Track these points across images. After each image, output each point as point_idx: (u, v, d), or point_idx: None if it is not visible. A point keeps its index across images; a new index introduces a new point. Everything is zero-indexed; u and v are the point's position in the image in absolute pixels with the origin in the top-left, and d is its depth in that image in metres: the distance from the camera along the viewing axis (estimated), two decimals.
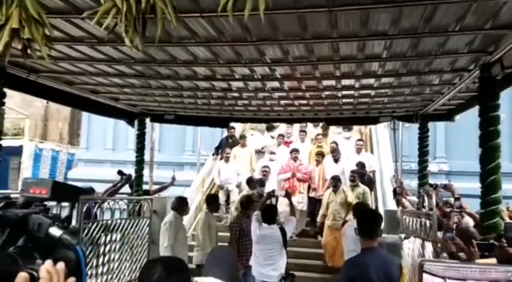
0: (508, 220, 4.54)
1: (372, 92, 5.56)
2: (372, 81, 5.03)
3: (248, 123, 12.22)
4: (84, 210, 5.38)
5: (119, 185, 6.53)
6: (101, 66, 4.73)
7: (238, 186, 9.08)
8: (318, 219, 7.99)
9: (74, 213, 5.37)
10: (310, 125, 10.80)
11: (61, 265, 0.99)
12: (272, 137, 11.21)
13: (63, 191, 1.43)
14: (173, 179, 7.90)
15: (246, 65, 4.43)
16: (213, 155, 11.18)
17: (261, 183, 7.76)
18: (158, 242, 5.98)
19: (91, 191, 6.20)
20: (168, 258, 2.12)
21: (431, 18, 3.22)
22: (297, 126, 10.92)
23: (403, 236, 5.44)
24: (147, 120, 7.51)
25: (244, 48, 3.98)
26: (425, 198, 6.00)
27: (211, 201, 6.79)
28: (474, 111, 6.80)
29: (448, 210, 5.39)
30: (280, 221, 6.18)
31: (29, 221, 1.15)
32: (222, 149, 10.49)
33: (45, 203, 1.33)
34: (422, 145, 6.80)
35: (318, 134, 9.97)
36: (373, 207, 8.04)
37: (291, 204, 5.99)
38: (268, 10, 1.63)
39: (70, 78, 5.32)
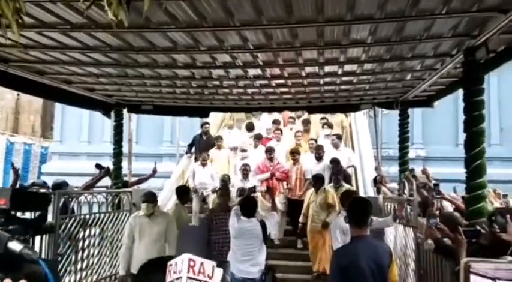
0: (495, 203, 4.58)
1: (354, 79, 5.52)
2: (354, 67, 4.97)
3: (225, 119, 11.92)
4: (60, 205, 5.18)
5: (96, 178, 6.32)
6: (75, 55, 4.50)
7: (214, 191, 7.99)
8: (300, 219, 7.41)
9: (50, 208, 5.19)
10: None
11: None
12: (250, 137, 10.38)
13: (24, 199, 1.32)
14: (154, 171, 7.71)
15: (228, 51, 4.30)
16: (186, 153, 10.42)
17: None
18: None
19: (64, 184, 5.97)
20: None
21: (418, 1, 3.16)
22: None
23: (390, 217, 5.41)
24: (124, 111, 7.28)
25: (227, 34, 3.84)
26: (406, 184, 6.04)
27: (182, 192, 6.63)
28: (450, 97, 6.93)
29: (427, 195, 5.43)
30: (261, 215, 6.06)
31: None
32: (196, 147, 9.83)
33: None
34: (403, 131, 6.82)
35: (298, 131, 9.46)
36: None
37: (272, 200, 5.87)
38: None
39: (41, 67, 5.07)
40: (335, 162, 7.66)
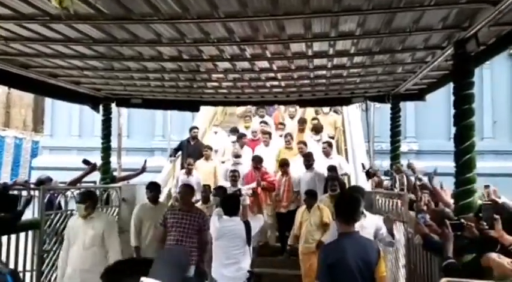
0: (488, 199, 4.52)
1: (345, 72, 5.44)
2: (344, 60, 4.89)
3: (212, 121, 11.47)
4: (45, 200, 5.09)
5: (82, 174, 6.22)
6: (57, 47, 4.38)
7: (197, 202, 6.87)
8: (289, 241, 6.67)
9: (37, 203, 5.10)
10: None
11: None
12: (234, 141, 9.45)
13: None
14: (143, 168, 7.52)
15: (214, 44, 4.20)
16: (170, 156, 9.58)
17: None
18: (128, 231, 5.76)
19: (48, 180, 5.88)
20: None
21: None
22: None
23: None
24: (113, 105, 7.17)
25: (212, 26, 3.74)
26: (397, 179, 6.00)
27: (153, 189, 5.96)
28: (443, 91, 6.89)
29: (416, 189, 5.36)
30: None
31: None
32: (183, 152, 9.09)
33: None
34: (394, 125, 6.78)
35: (287, 134, 8.68)
36: None
37: (258, 205, 5.60)
38: None
39: (25, 60, 4.94)
40: (333, 169, 7.13)
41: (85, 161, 6.24)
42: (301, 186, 7.31)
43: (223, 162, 8.79)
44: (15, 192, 5.03)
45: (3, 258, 4.58)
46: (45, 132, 15.99)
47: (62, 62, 4.96)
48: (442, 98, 11.83)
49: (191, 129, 9.23)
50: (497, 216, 2.89)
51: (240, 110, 11.05)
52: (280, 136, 9.09)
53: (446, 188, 5.49)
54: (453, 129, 3.98)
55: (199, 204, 6.56)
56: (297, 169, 7.65)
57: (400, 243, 5.08)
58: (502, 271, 2.48)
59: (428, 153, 13.54)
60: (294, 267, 6.47)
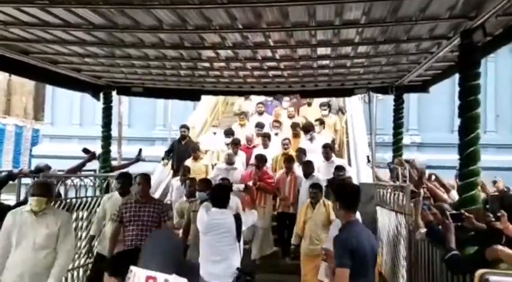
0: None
1: (348, 62, 5.37)
2: (348, 50, 4.82)
3: (209, 122, 11.33)
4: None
5: (81, 162, 6.18)
6: (57, 33, 4.31)
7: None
8: (293, 240, 6.25)
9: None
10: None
11: None
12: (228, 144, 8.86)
13: None
14: (137, 158, 7.40)
15: (216, 31, 4.13)
16: (162, 159, 9.02)
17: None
18: None
19: (46, 168, 5.85)
20: None
21: None
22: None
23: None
24: (114, 93, 7.11)
25: (214, 12, 3.67)
26: (399, 171, 5.94)
27: (124, 180, 5.52)
28: (446, 83, 6.81)
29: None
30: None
31: None
32: (173, 154, 8.70)
33: None
34: (397, 117, 6.72)
35: (285, 139, 8.25)
36: None
37: (252, 200, 5.16)
38: None
39: (24, 46, 4.88)
40: (342, 169, 6.84)
41: (85, 150, 6.21)
42: (300, 194, 6.99)
43: (214, 164, 8.46)
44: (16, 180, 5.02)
45: None
46: (46, 121, 15.96)
47: (62, 48, 4.89)
48: (445, 91, 11.74)
49: (181, 127, 8.90)
50: (503, 212, 2.85)
51: (238, 106, 10.99)
52: (276, 134, 8.92)
53: (446, 180, 5.44)
54: (456, 122, 3.93)
55: (183, 200, 6.33)
56: (298, 172, 7.30)
57: (402, 235, 5.06)
58: None
59: (430, 146, 13.49)
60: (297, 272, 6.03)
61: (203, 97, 8.88)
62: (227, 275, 4.19)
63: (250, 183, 6.71)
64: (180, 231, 5.76)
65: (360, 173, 8.39)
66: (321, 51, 4.87)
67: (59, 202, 5.31)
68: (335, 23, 3.91)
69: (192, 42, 4.59)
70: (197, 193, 5.77)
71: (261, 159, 7.26)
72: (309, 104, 10.35)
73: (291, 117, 9.75)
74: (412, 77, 5.94)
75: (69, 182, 5.68)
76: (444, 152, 11.53)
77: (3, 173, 5.68)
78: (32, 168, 6.74)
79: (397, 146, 6.68)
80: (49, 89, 15.33)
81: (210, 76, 6.20)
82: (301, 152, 7.70)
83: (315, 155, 7.70)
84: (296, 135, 8.83)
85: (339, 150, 9.52)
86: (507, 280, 1.26)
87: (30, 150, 15.80)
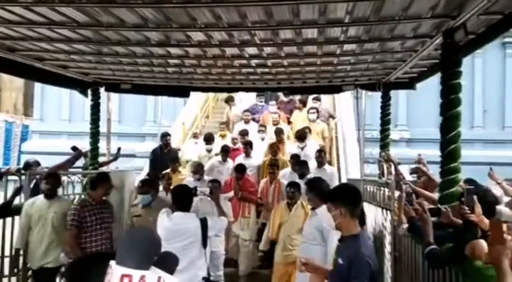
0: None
1: (335, 60, 5.41)
2: (334, 47, 4.86)
3: (191, 131, 10.97)
4: (32, 186, 5.06)
5: (67, 160, 6.14)
6: (42, 31, 4.30)
7: None
8: (261, 246, 5.80)
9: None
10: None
11: None
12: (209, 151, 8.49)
13: None
14: (116, 156, 7.40)
15: (202, 29, 4.14)
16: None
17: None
18: (118, 219, 5.68)
19: (35, 164, 5.84)
20: None
21: None
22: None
23: None
24: (102, 89, 7.09)
25: (198, 11, 3.68)
26: (384, 168, 6.02)
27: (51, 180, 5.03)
28: (435, 79, 6.86)
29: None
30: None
31: None
32: (156, 162, 8.31)
33: None
34: (385, 113, 6.78)
35: (273, 144, 7.98)
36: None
37: (217, 205, 4.72)
38: None
39: (10, 43, 4.85)
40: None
41: (73, 148, 6.19)
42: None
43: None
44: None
45: None
46: (35, 117, 15.84)
47: (48, 45, 4.88)
48: (434, 86, 11.77)
49: (163, 136, 8.59)
50: (476, 202, 2.89)
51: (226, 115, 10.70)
52: (262, 139, 8.63)
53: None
54: None
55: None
56: (283, 180, 6.83)
57: (387, 231, 5.13)
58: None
59: (419, 141, 13.60)
60: None
61: (193, 93, 8.92)
62: None
63: (232, 193, 6.34)
64: None
65: (348, 169, 8.47)
66: (307, 49, 4.90)
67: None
68: (319, 22, 3.94)
69: (178, 40, 4.60)
70: (138, 196, 5.25)
71: (240, 169, 6.73)
72: (300, 109, 9.93)
73: (275, 123, 9.22)
74: (399, 74, 5.99)
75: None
76: (433, 148, 11.62)
77: None
78: (21, 164, 6.71)
79: (384, 142, 6.75)
80: (38, 85, 15.22)
81: (198, 73, 6.22)
82: (295, 159, 7.22)
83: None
84: (280, 142, 8.40)
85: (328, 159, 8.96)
86: None
87: (20, 147, 15.69)
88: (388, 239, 5.07)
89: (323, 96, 10.02)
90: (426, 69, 5.88)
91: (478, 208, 2.87)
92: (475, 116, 13.76)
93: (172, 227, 3.87)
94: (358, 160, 8.25)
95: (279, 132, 8.50)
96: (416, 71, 6.12)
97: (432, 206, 3.46)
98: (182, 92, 7.47)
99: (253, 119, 9.80)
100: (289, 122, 9.90)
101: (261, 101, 10.22)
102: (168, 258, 1.81)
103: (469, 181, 3.89)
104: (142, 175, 8.52)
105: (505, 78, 13.97)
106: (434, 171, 5.69)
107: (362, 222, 3.06)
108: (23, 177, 5.22)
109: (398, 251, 4.60)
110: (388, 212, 5.02)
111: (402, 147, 13.50)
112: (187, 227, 3.89)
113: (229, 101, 10.70)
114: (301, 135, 8.07)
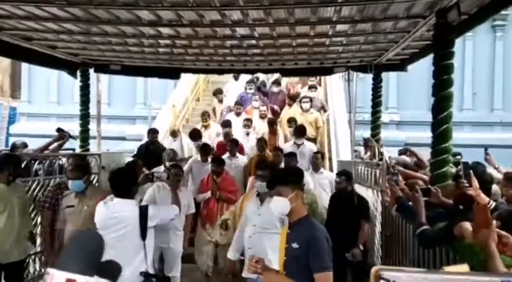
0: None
1: (327, 41, 5.38)
2: (327, 28, 4.83)
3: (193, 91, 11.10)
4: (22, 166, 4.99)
5: (49, 142, 5.98)
6: (30, 9, 4.20)
7: None
8: (229, 254, 4.32)
9: None
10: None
11: None
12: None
13: None
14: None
15: (194, 8, 4.08)
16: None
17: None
18: None
19: (22, 146, 5.75)
20: None
21: None
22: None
23: None
24: (91, 71, 6.99)
25: None
26: (376, 149, 6.07)
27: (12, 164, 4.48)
28: (425, 61, 6.88)
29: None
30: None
31: None
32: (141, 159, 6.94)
33: None
34: (376, 96, 6.81)
35: (260, 138, 7.36)
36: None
37: (174, 192, 4.41)
38: None
39: None
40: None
41: (58, 130, 6.07)
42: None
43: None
44: None
45: None
46: (23, 99, 15.58)
47: (36, 24, 4.77)
48: (425, 69, 11.80)
49: (150, 132, 8.06)
50: (473, 176, 2.91)
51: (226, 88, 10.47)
52: (247, 134, 8.03)
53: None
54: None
55: None
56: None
57: (378, 211, 5.20)
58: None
59: (409, 124, 13.69)
60: None
61: (183, 75, 8.83)
62: (130, 280, 3.24)
63: (209, 193, 5.71)
64: None
65: (339, 151, 8.51)
66: (300, 29, 4.87)
67: (36, 181, 5.25)
68: (313, 1, 3.91)
69: (169, 20, 4.53)
70: (69, 182, 4.38)
71: (220, 163, 5.81)
72: (290, 105, 9.30)
73: (263, 117, 8.72)
74: (390, 55, 6.00)
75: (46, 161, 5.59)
76: (422, 130, 11.67)
77: None
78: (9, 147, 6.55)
79: (375, 124, 6.79)
80: (25, 66, 14.93)
81: (189, 54, 6.15)
82: (279, 150, 6.74)
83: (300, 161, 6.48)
84: (273, 133, 7.91)
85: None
86: (399, 275, 1.35)
87: (8, 129, 15.47)
88: (378, 219, 5.15)
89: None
90: (418, 51, 5.90)
91: (475, 182, 2.89)
92: (464, 99, 13.86)
93: (108, 215, 3.44)
94: (349, 142, 8.29)
95: (272, 123, 8.12)
96: (408, 53, 6.12)
97: (424, 186, 3.50)
98: (173, 73, 7.40)
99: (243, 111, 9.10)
100: (274, 113, 9.27)
101: (251, 88, 9.62)
102: (112, 266, 1.70)
103: (475, 164, 3.93)
104: None
105: (494, 61, 14.03)
106: (424, 154, 5.78)
107: None
108: None
109: (388, 231, 4.68)
110: (379, 193, 5.09)
111: (392, 129, 13.58)
112: (123, 215, 3.42)
113: (217, 93, 10.08)
114: (300, 130, 7.45)
